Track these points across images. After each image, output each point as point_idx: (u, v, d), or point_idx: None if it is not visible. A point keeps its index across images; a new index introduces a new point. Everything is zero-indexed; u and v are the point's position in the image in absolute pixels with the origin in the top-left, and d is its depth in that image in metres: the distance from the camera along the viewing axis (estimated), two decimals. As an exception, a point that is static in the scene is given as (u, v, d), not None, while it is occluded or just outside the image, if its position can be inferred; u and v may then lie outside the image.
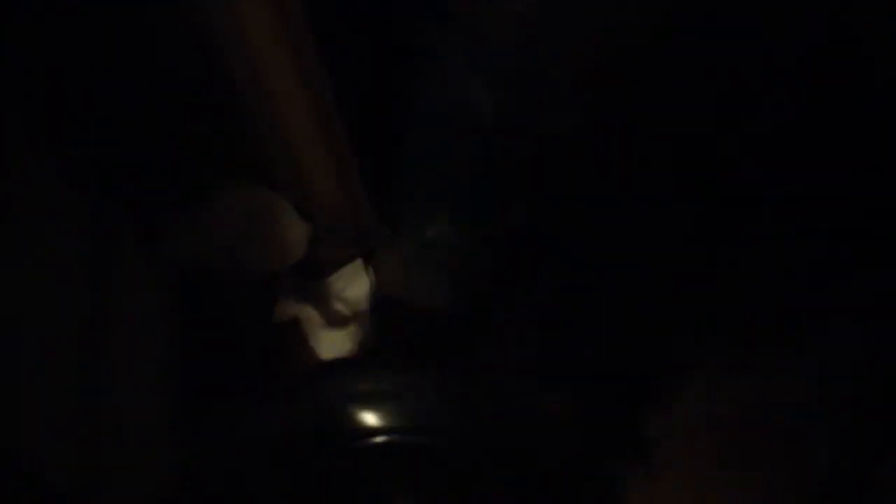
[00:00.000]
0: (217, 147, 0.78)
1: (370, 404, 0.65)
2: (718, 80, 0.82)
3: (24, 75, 0.68)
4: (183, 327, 0.81)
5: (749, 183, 0.82)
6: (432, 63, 0.88)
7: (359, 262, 0.84)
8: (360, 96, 0.77)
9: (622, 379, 0.78)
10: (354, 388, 0.66)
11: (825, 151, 0.80)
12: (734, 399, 0.76)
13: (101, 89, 0.73)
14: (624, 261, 0.84)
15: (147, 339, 0.78)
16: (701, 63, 0.81)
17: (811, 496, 0.73)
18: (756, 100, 0.81)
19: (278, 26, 0.66)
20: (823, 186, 0.79)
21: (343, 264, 0.84)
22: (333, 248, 0.84)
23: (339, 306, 0.83)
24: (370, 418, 0.64)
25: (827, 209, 0.80)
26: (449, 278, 0.86)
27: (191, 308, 0.82)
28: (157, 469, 0.69)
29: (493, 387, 0.69)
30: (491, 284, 0.85)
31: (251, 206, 0.81)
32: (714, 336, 0.79)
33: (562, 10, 0.84)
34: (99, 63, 0.70)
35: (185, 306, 0.82)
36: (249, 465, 0.64)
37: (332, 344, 0.81)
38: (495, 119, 0.87)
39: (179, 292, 0.82)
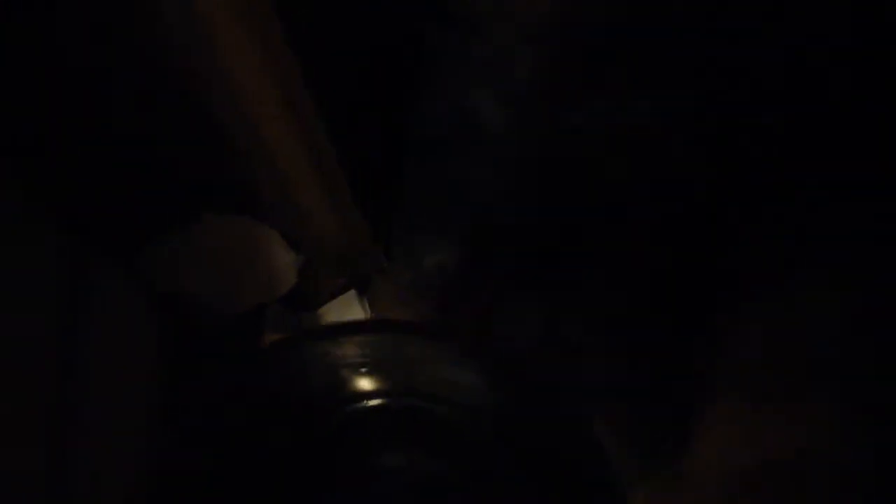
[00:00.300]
0: (198, 173, 0.72)
1: (360, 368, 0.63)
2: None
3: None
4: (165, 360, 0.76)
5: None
6: (432, 72, 0.82)
7: (352, 293, 0.78)
8: (352, 114, 0.71)
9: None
10: (343, 353, 0.63)
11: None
12: (753, 449, 0.69)
13: (78, 114, 0.67)
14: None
15: (126, 377, 0.73)
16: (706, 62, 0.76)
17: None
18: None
19: (259, 49, 0.60)
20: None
21: (336, 295, 0.78)
22: (325, 278, 0.78)
23: (331, 340, 0.77)
24: (361, 382, 0.62)
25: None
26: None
27: (173, 340, 0.77)
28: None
29: (490, 351, 0.66)
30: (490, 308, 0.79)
31: (234, 235, 0.75)
32: (729, 375, 0.73)
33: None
34: (73, 88, 0.65)
35: (168, 338, 0.77)
36: (240, 431, 0.62)
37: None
38: (503, 134, 0.81)
39: (161, 324, 0.77)
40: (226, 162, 0.69)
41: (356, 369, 0.62)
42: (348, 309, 0.78)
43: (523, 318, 0.79)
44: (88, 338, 0.67)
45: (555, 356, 0.77)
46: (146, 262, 0.74)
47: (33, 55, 0.61)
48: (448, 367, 0.62)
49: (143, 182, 0.71)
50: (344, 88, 0.71)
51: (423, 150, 0.79)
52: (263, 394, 0.63)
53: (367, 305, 0.78)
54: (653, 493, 0.68)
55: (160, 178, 0.71)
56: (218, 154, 0.69)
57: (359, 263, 0.78)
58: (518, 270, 0.80)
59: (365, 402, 0.61)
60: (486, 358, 0.64)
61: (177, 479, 0.61)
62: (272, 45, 0.60)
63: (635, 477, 0.68)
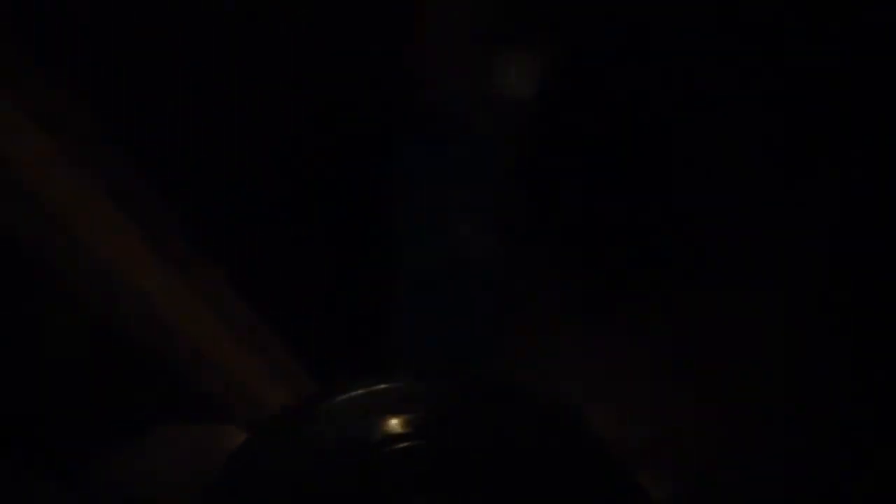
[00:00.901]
0: (142, 390, 0.64)
1: (385, 415, 0.58)
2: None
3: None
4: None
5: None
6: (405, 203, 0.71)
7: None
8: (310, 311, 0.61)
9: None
10: (372, 402, 0.58)
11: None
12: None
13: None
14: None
15: None
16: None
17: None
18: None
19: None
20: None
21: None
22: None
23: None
24: (387, 427, 0.58)
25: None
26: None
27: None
28: None
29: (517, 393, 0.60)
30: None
31: (193, 440, 0.66)
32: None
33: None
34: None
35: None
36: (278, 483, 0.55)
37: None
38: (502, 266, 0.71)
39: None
40: (178, 375, 0.61)
41: (384, 415, 0.57)
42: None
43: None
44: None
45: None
46: (101, 477, 0.67)
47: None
48: (473, 407, 0.57)
49: (88, 403, 0.63)
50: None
51: (405, 321, 0.68)
52: (298, 447, 0.59)
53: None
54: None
55: (106, 397, 0.63)
56: (168, 370, 0.61)
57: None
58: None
59: (393, 445, 0.57)
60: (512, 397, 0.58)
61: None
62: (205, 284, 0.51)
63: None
